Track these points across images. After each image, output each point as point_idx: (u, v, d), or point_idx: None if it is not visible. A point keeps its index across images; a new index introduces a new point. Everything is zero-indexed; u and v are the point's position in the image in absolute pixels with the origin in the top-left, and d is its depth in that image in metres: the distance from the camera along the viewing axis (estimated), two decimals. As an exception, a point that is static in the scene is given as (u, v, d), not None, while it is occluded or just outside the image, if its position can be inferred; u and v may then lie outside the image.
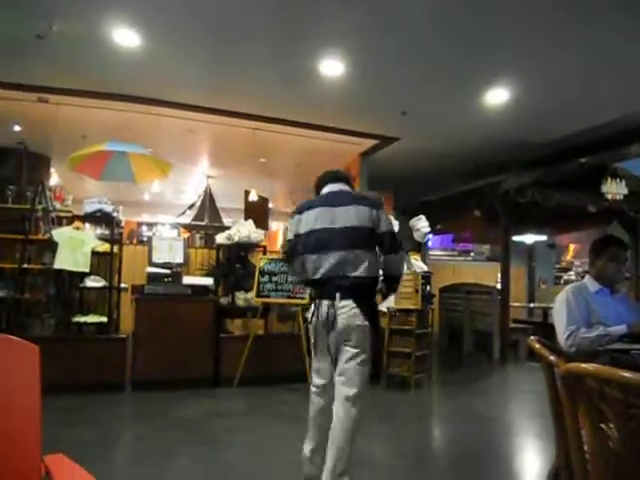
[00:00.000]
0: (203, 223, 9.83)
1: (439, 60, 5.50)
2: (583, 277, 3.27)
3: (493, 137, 7.74)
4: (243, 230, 6.28)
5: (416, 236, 6.68)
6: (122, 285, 6.10)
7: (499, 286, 8.92)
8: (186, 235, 9.44)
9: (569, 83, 5.91)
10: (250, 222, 6.54)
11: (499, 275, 9.16)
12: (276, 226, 14.31)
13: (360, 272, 2.77)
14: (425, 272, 6.31)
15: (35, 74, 6.04)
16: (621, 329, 2.72)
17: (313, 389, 2.92)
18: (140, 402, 5.20)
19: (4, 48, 5.32)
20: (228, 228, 6.86)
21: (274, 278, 5.83)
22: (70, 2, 4.53)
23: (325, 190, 3.06)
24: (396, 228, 6.47)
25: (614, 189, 7.96)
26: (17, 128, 7.63)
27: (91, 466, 1.42)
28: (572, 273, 14.02)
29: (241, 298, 6.18)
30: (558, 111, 6.72)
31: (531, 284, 11.40)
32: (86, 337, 5.69)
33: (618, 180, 7.97)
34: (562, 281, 12.85)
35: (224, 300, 6.20)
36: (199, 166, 10.24)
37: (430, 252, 11.08)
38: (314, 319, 2.84)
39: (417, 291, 5.86)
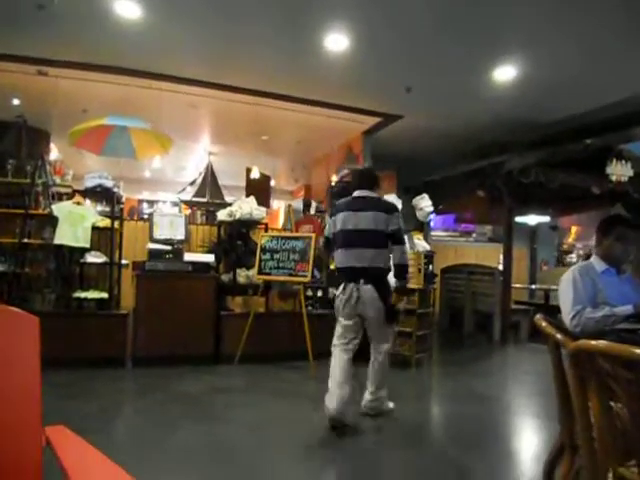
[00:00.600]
0: (204, 200, 9.77)
1: (446, 36, 5.40)
2: (586, 259, 3.23)
3: (498, 116, 7.65)
4: (245, 207, 6.23)
5: (419, 215, 6.64)
6: (123, 261, 6.07)
7: (501, 267, 8.89)
8: (187, 212, 9.40)
9: (576, 62, 5.82)
10: (252, 199, 6.49)
11: (501, 256, 9.14)
12: (277, 204, 14.22)
13: (376, 264, 3.76)
14: (428, 251, 6.28)
15: (35, 46, 5.94)
16: (627, 309, 2.69)
17: (337, 347, 3.85)
18: (141, 377, 5.21)
19: (4, 18, 5.22)
20: (230, 205, 6.81)
21: (276, 256, 5.79)
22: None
23: (355, 194, 3.97)
24: (399, 206, 6.43)
25: (619, 171, 7.90)
26: (16, 102, 7.54)
27: (92, 438, 1.40)
28: (573, 256, 13.97)
29: (242, 275, 6.15)
30: (564, 90, 6.63)
31: (533, 266, 11.38)
32: (87, 313, 5.67)
33: (623, 162, 7.90)
34: (563, 264, 12.82)
35: (225, 277, 6.18)
36: (200, 143, 10.16)
37: (432, 233, 11.03)
38: (342, 296, 3.82)
39: (420, 270, 5.83)
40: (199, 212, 9.94)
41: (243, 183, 9.99)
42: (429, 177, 9.49)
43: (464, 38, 5.39)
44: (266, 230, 6.63)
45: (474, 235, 12.48)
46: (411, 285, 5.87)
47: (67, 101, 7.22)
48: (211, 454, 3.20)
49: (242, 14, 5.10)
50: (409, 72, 6.36)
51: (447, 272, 9.60)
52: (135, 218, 10.16)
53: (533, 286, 10.48)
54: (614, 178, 7.85)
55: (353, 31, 5.36)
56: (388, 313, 3.84)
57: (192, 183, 10.64)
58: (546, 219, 10.65)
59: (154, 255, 5.77)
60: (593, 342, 1.57)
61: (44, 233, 5.70)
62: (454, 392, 5.22)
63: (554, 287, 8.76)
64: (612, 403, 1.61)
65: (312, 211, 8.11)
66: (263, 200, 8.39)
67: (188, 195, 10.41)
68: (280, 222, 11.43)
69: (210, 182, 10.15)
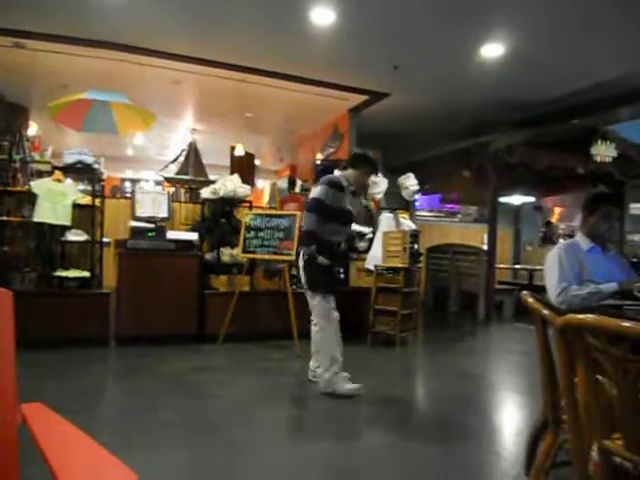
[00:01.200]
0: (187, 177, 9.63)
1: (434, 12, 5.31)
2: (570, 237, 3.23)
3: (486, 95, 7.62)
4: (229, 184, 6.14)
5: (405, 194, 6.62)
6: (105, 239, 5.97)
7: (485, 247, 8.93)
8: (171, 190, 9.27)
9: (564, 40, 5.78)
10: (236, 176, 6.39)
11: (485, 236, 9.17)
12: (262, 184, 14.10)
13: None
14: (413, 230, 6.26)
15: (11, 17, 5.74)
16: (612, 287, 2.71)
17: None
18: (124, 357, 5.16)
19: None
20: (213, 182, 6.71)
21: (260, 234, 5.72)
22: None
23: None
24: (385, 186, 6.41)
25: (603, 151, 7.93)
26: (-7, 75, 7.32)
27: (72, 417, 1.35)
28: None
29: (226, 254, 6.09)
30: (552, 69, 6.61)
31: (517, 246, 11.45)
32: (68, 292, 5.56)
33: (608, 142, 7.93)
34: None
35: (209, 256, 6.11)
36: (183, 120, 9.99)
37: (417, 213, 11.03)
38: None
39: (405, 249, 5.81)
40: (182, 190, 9.81)
41: (227, 162, 9.89)
42: (415, 157, 9.46)
43: (452, 13, 5.31)
44: (250, 208, 6.55)
45: (459, 216, 12.51)
46: (396, 264, 5.87)
47: (46, 76, 7.04)
48: (194, 429, 3.18)
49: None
50: (396, 49, 6.27)
51: (432, 252, 9.63)
52: (118, 196, 10.02)
53: (517, 266, 10.56)
54: (598, 159, 7.89)
55: (340, 4, 5.25)
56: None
57: (174, 160, 10.48)
58: (530, 199, 10.69)
59: (137, 233, 5.68)
60: (581, 316, 1.55)
61: (23, 211, 5.57)
62: (438, 370, 5.25)
63: (538, 267, 8.84)
64: (599, 377, 1.61)
65: (297, 189, 8.04)
66: (247, 178, 8.30)
67: (170, 173, 10.27)
68: (265, 201, 11.34)
69: (193, 159, 10.01)
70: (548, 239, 11.13)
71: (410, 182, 6.51)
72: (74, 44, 6.26)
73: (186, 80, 7.60)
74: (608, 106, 7.81)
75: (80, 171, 5.81)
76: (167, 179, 9.92)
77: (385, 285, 5.95)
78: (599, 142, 7.87)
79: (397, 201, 7.16)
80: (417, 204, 10.58)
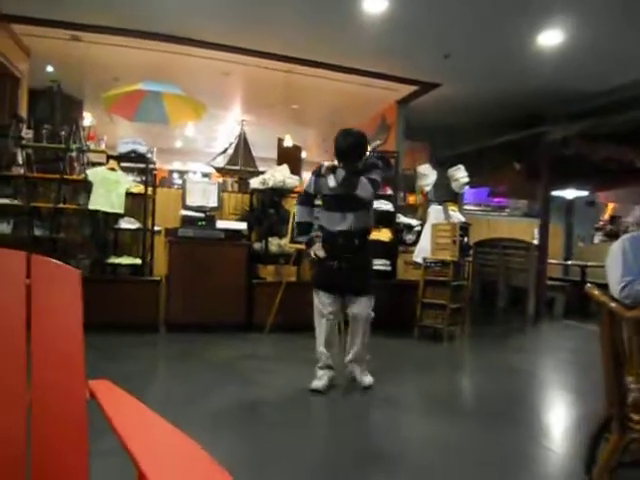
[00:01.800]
0: (237, 167, 9.71)
1: (489, -3, 5.15)
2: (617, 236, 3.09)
3: (541, 85, 7.33)
4: (278, 175, 6.16)
5: (454, 186, 6.50)
6: (156, 228, 6.10)
7: (536, 242, 8.68)
8: (220, 180, 9.38)
9: (626, 27, 5.49)
10: (285, 167, 6.40)
11: (536, 231, 8.91)
12: (307, 175, 14.12)
13: None
14: (463, 223, 6.14)
15: (69, 10, 5.89)
16: (680, 281, 2.56)
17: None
18: (174, 343, 5.27)
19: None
20: (262, 173, 6.75)
21: (308, 225, 5.71)
22: None
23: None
24: (434, 178, 6.30)
25: (663, 144, 7.58)
26: (50, 69, 7.55)
27: (134, 395, 1.38)
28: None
29: (274, 244, 6.12)
30: (612, 57, 6.29)
31: (568, 241, 11.08)
32: (120, 279, 5.72)
33: (668, 135, 7.56)
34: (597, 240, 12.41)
35: (257, 245, 6.15)
36: (231, 112, 10.08)
37: (464, 206, 10.81)
38: None
39: (454, 242, 5.70)
40: (232, 180, 9.91)
41: (274, 155, 9.91)
42: (463, 149, 9.27)
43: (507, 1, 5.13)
44: (299, 199, 6.55)
45: (507, 210, 12.19)
46: (445, 257, 5.77)
47: (99, 69, 7.20)
48: (242, 414, 3.28)
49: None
50: (448, 37, 6.11)
51: (480, 246, 9.42)
52: (168, 186, 10.21)
53: (568, 262, 10.22)
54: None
55: (392, -8, 5.16)
56: None
57: (224, 152, 10.59)
58: (584, 194, 10.33)
59: (187, 222, 5.77)
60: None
61: (79, 198, 5.75)
62: (487, 365, 5.14)
63: (591, 263, 8.54)
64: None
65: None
66: (294, 170, 8.31)
67: (219, 164, 10.38)
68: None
69: (243, 150, 10.08)
70: (614, 235, 10.67)
71: (460, 174, 6.39)
72: (127, 36, 6.37)
73: (235, 71, 7.64)
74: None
75: (134, 160, 5.94)
76: (217, 169, 10.03)
77: (433, 278, 5.86)
78: (659, 135, 7.51)
79: (446, 193, 7.03)
80: (464, 198, 10.38)
